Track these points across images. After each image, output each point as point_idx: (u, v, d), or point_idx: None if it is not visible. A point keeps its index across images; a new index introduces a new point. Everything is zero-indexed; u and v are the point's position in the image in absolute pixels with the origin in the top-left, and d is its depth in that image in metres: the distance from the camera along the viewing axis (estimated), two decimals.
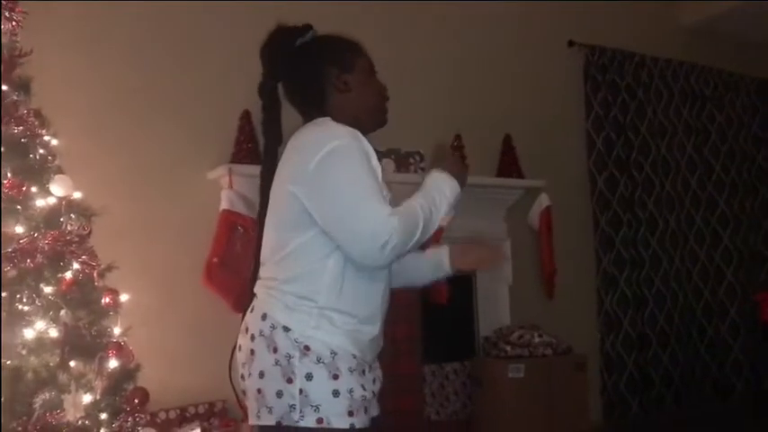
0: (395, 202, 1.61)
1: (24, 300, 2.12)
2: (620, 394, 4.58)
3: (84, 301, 2.29)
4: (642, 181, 4.82)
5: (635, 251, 4.75)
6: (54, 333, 2.15)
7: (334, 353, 1.52)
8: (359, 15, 3.68)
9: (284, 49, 1.71)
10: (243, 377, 1.61)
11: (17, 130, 2.25)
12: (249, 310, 1.63)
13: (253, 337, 1.57)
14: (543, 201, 4.28)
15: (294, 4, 3.21)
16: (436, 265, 1.85)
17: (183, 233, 3.33)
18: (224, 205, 3.29)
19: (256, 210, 1.74)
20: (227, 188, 3.30)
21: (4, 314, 2.06)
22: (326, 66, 1.69)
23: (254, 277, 1.68)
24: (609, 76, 4.78)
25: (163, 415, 3.09)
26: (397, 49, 3.80)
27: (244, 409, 1.65)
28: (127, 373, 2.37)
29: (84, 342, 2.24)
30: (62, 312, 2.18)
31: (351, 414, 1.51)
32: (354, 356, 1.56)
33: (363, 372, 1.58)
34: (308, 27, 1.74)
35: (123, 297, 2.47)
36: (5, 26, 2.33)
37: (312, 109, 1.69)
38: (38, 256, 2.15)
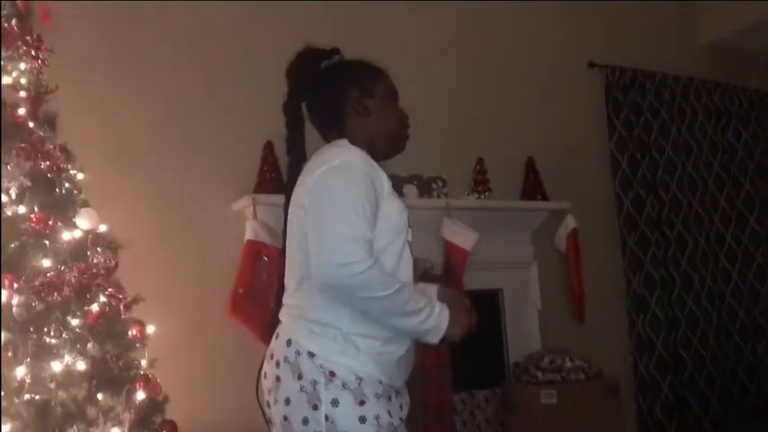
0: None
1: (52, 333, 2.14)
2: (656, 419, 4.46)
3: (111, 333, 2.31)
4: (669, 200, 4.75)
5: (665, 271, 4.66)
6: (82, 366, 2.17)
7: (359, 378, 1.51)
8: (380, 42, 3.68)
9: (309, 70, 1.73)
10: (268, 404, 1.59)
11: (44, 165, 2.30)
12: (274, 336, 1.62)
13: (278, 364, 1.56)
14: (569, 223, 4.23)
15: (319, 38, 3.23)
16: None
17: (208, 264, 3.33)
18: (248, 236, 3.30)
19: (280, 239, 1.75)
20: (252, 218, 3.31)
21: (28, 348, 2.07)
22: (348, 88, 1.70)
23: (279, 303, 1.67)
24: (630, 96, 4.74)
25: None
26: (419, 76, 3.80)
27: None
28: (155, 406, 2.37)
29: (112, 375, 2.24)
30: (89, 345, 2.20)
31: None
32: (380, 382, 1.53)
33: (390, 398, 1.56)
34: (336, 50, 1.77)
35: (150, 329, 2.48)
36: (32, 65, 2.39)
37: (331, 130, 1.70)
38: (65, 289, 2.17)
